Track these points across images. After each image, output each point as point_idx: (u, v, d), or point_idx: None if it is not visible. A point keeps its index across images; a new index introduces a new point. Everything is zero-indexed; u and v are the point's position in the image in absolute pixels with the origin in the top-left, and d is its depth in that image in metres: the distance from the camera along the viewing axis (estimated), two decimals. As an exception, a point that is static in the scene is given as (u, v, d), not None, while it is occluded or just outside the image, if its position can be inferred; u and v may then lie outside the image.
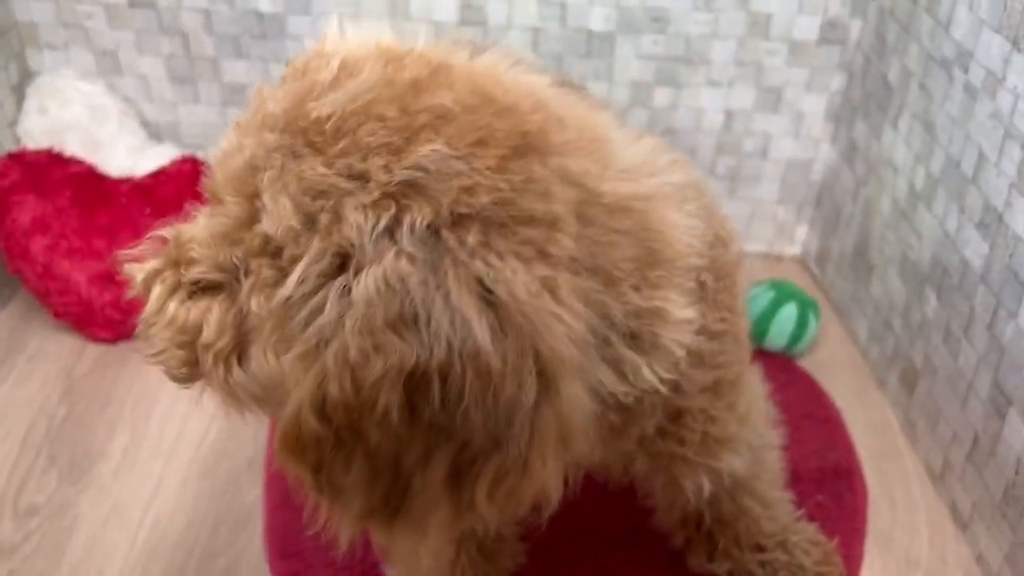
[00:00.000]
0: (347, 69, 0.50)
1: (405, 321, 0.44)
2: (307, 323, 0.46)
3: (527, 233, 0.46)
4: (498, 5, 1.26)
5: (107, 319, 1.18)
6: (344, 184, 0.46)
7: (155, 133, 1.38)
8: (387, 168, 0.46)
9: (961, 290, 0.99)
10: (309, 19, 1.29)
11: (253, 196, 0.49)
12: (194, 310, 0.53)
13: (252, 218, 0.49)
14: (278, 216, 0.47)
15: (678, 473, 0.73)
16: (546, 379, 0.45)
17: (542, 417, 0.46)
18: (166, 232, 0.55)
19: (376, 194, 0.45)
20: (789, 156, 1.37)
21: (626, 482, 0.81)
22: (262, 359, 0.49)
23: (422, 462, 0.46)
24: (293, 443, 0.47)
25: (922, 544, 0.98)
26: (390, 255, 0.44)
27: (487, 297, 0.44)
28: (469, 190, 0.45)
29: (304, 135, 0.48)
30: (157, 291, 0.54)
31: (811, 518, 0.94)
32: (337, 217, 0.46)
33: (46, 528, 0.96)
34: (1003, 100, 0.91)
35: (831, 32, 1.26)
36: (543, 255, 0.46)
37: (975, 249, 0.96)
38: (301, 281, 0.46)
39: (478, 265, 0.45)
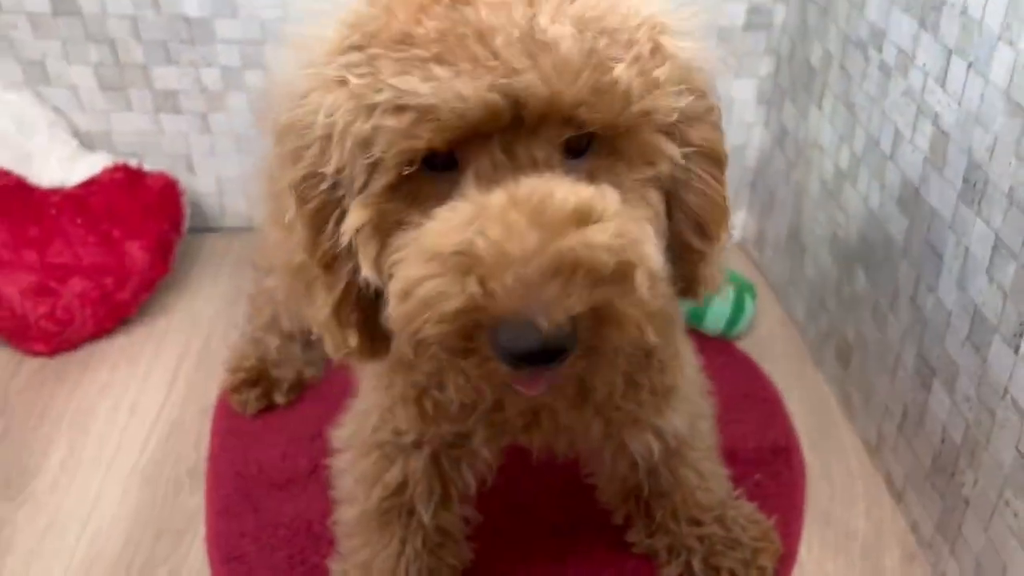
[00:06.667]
0: None
1: None
2: None
3: None
4: None
5: (43, 332, 1.16)
6: None
7: (87, 142, 1.37)
8: None
9: (886, 265, 1.01)
10: (237, 22, 1.28)
11: None
12: None
13: None
14: None
15: (628, 436, 0.77)
16: None
17: None
18: None
19: None
20: (723, 142, 1.39)
21: (570, 460, 0.84)
22: None
23: None
24: None
25: (859, 517, 1.00)
26: None
27: None
28: None
29: None
30: None
31: (750, 498, 0.95)
32: None
33: (-18, 546, 0.95)
34: (914, 78, 0.93)
35: (756, 17, 1.28)
36: None
37: (896, 225, 0.98)
38: None
39: None
